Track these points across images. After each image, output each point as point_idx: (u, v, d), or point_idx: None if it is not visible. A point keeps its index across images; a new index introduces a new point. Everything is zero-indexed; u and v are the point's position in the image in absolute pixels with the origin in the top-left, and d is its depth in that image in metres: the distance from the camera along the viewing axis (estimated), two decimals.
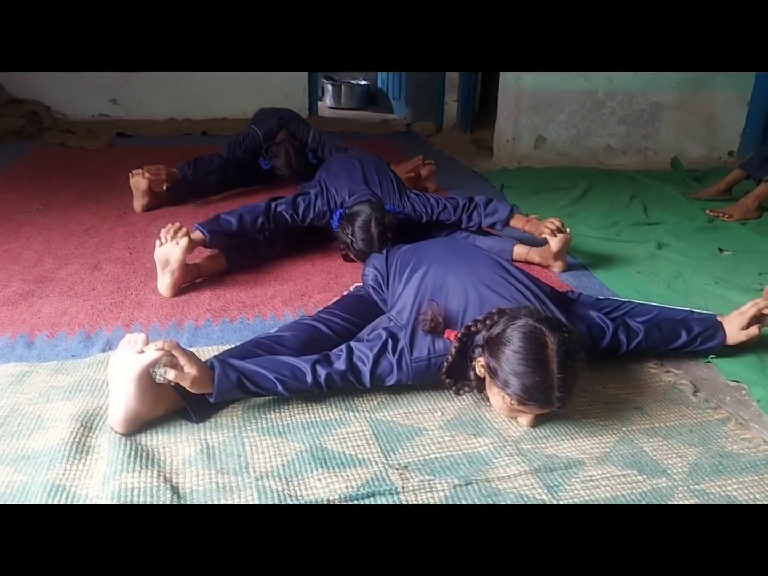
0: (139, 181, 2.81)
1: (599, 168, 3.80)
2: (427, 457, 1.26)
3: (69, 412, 1.35)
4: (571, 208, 2.98)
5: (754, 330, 1.59)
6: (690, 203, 3.06)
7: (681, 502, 1.15)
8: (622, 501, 1.16)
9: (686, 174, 3.61)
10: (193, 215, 2.83)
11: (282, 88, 5.06)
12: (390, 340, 1.40)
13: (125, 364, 1.24)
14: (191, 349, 1.56)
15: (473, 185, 3.39)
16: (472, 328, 1.36)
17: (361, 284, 1.78)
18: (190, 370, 1.26)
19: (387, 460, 1.25)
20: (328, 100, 6.49)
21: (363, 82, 6.57)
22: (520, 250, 2.29)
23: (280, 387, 1.34)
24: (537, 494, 1.17)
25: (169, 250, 1.92)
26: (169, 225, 1.96)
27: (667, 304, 1.92)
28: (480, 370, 1.34)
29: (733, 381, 1.57)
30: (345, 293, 1.78)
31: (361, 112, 6.23)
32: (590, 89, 3.71)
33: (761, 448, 1.31)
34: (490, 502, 1.15)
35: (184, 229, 1.95)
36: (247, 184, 3.25)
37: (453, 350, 1.37)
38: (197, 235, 2.03)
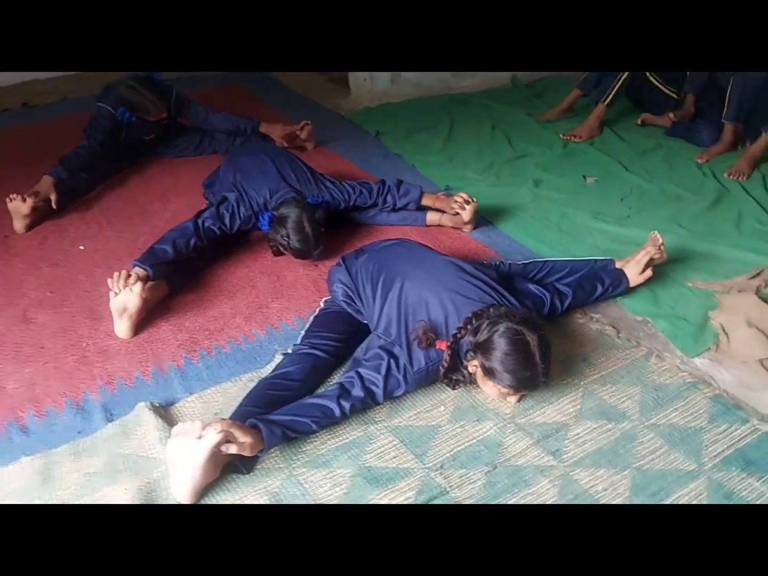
0: (19, 206, 2.60)
1: (451, 94, 4.04)
2: (453, 452, 1.54)
3: (125, 497, 1.44)
4: (448, 152, 3.23)
5: (648, 273, 2.00)
6: (544, 128, 3.43)
7: (643, 440, 1.55)
8: (605, 450, 1.53)
9: (528, 92, 3.97)
10: (82, 224, 2.73)
11: None
12: (391, 360, 1.63)
13: (190, 452, 1.36)
14: (193, 396, 1.70)
15: (349, 136, 3.51)
16: (458, 335, 1.62)
17: (327, 298, 1.94)
18: (246, 439, 1.41)
19: (423, 464, 1.52)
20: None
21: None
22: (432, 217, 2.53)
23: (315, 427, 1.53)
24: (547, 462, 1.51)
25: (126, 297, 1.93)
26: (116, 274, 1.94)
27: (564, 250, 2.33)
28: (473, 369, 1.62)
29: (639, 317, 2.00)
30: (318, 310, 1.93)
31: None
32: None
33: (679, 375, 1.74)
34: (516, 480, 1.47)
35: (133, 275, 1.95)
36: (121, 169, 3.14)
37: (447, 357, 1.63)
38: (140, 271, 2.03)
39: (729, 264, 2.21)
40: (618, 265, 2.07)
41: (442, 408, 1.68)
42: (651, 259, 2.00)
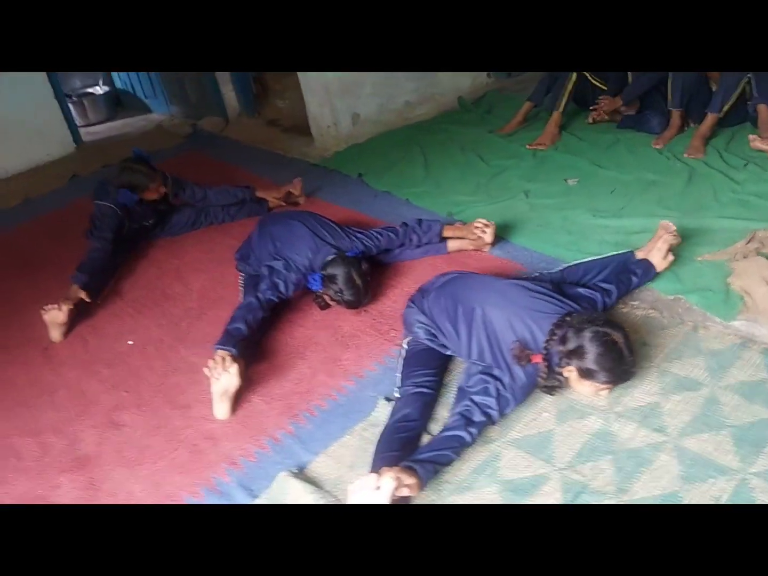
0: (56, 315, 2.64)
1: (408, 124, 4.28)
2: (574, 450, 1.75)
3: None
4: (432, 180, 3.46)
5: (670, 257, 2.29)
6: (508, 142, 3.72)
7: (724, 401, 1.81)
8: (699, 416, 1.77)
9: (478, 110, 4.26)
10: (115, 319, 2.80)
11: (33, 125, 4.64)
12: (496, 382, 1.82)
13: (376, 501, 1.52)
14: (321, 456, 1.84)
15: (331, 182, 3.68)
16: (548, 347, 1.84)
17: (409, 339, 2.11)
18: (411, 480, 1.57)
19: (554, 466, 1.72)
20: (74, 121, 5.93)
21: (102, 90, 6.10)
22: (453, 244, 2.75)
23: (454, 456, 1.71)
24: (657, 438, 1.73)
25: (227, 380, 2.04)
26: (211, 362, 2.05)
27: (579, 249, 2.59)
28: (567, 374, 1.84)
29: (671, 296, 2.27)
30: (404, 352, 2.09)
31: (119, 122, 5.87)
32: None
33: (727, 339, 2.02)
34: (639, 460, 1.68)
35: (228, 358, 2.07)
36: (126, 258, 3.20)
37: (543, 368, 1.84)
38: (224, 353, 2.15)
39: (723, 234, 2.52)
40: (639, 255, 2.35)
41: (546, 414, 1.89)
42: (670, 245, 2.29)
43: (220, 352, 2.14)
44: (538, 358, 1.84)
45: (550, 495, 1.65)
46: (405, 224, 2.68)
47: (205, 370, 2.06)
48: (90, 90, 6.13)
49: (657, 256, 2.28)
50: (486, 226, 2.63)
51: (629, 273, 2.25)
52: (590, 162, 3.30)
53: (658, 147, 3.30)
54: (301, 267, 2.46)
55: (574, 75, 3.59)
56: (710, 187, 2.87)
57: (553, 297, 1.98)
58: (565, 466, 1.72)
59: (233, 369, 2.03)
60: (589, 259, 2.40)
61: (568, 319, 1.85)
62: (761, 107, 3.02)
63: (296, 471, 1.84)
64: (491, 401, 1.79)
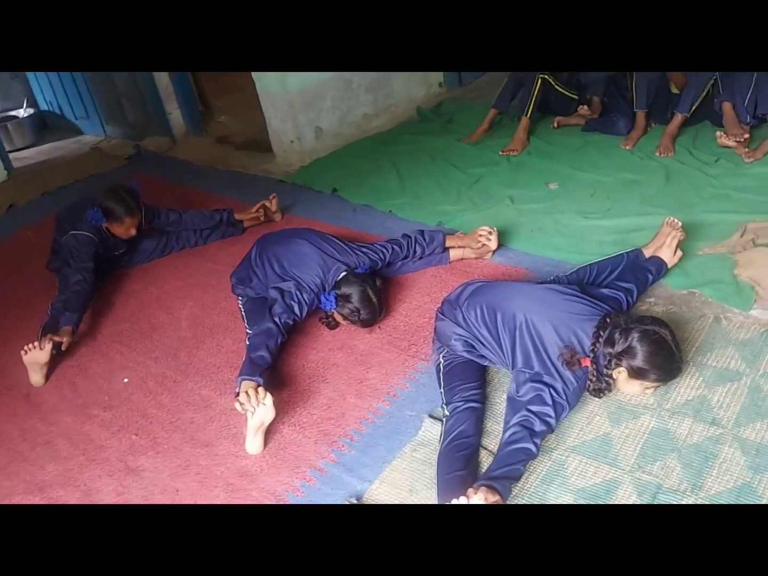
0: (37, 355, 2.41)
1: (370, 137, 4.24)
2: (637, 451, 1.75)
3: None
4: (410, 191, 3.41)
5: (679, 253, 2.35)
6: (479, 150, 3.74)
7: (767, 388, 1.86)
8: (747, 405, 1.81)
9: (439, 119, 4.27)
10: (101, 357, 2.60)
11: None
12: (549, 389, 1.80)
13: None
14: (375, 483, 1.76)
15: (304, 198, 3.58)
16: (595, 350, 1.83)
17: (444, 353, 2.05)
18: (496, 498, 1.52)
19: (623, 469, 1.71)
20: None
21: (26, 113, 5.71)
22: (455, 254, 2.72)
23: (523, 469, 1.67)
24: (714, 432, 1.76)
25: (263, 414, 1.91)
26: (244, 395, 1.92)
27: (580, 251, 2.62)
28: (616, 375, 1.83)
29: (684, 290, 2.33)
30: (442, 367, 2.03)
31: (48, 146, 5.51)
32: (337, 72, 4.04)
33: (752, 328, 2.08)
34: (704, 455, 1.69)
35: (261, 389, 1.94)
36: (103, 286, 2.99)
37: (593, 371, 1.83)
38: (251, 384, 2.02)
39: (714, 228, 2.62)
40: (646, 252, 2.40)
41: (598, 417, 1.88)
42: (679, 241, 2.35)
43: (246, 383, 2.01)
44: (587, 362, 1.83)
45: (627, 499, 1.63)
46: (407, 236, 2.63)
47: (237, 406, 1.92)
48: (13, 113, 5.74)
49: (667, 252, 2.33)
50: (490, 233, 2.62)
51: (644, 271, 2.28)
52: (566, 165, 3.37)
53: (628, 148, 3.41)
54: (313, 286, 2.36)
55: (540, 81, 3.65)
56: (689, 184, 2.98)
57: (585, 299, 1.98)
58: (632, 468, 1.71)
59: (268, 400, 1.91)
60: (599, 259, 2.42)
61: (608, 320, 1.85)
62: (726, 105, 3.18)
63: (355, 501, 1.74)
64: (548, 409, 1.76)
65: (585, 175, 3.24)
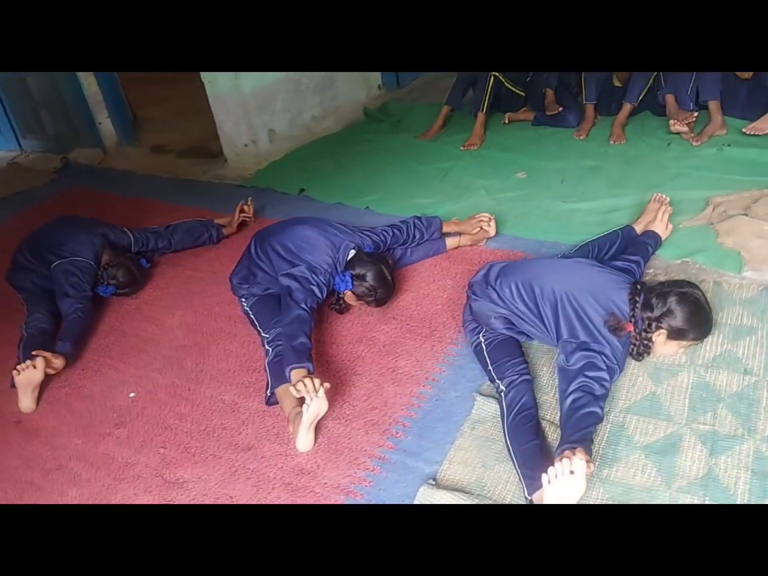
0: (32, 375, 2.21)
1: (316, 137, 4.20)
2: (687, 404, 1.85)
3: None
4: (382, 188, 3.41)
5: (670, 226, 2.51)
6: (439, 146, 3.80)
7: None
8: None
9: (389, 119, 4.31)
10: (95, 374, 2.42)
11: None
12: (600, 355, 1.86)
13: (574, 487, 1.48)
14: (445, 464, 1.77)
15: (272, 202, 3.49)
16: (635, 315, 1.92)
17: (484, 332, 2.07)
18: (588, 458, 1.55)
19: (679, 423, 1.80)
20: None
21: None
22: (452, 242, 2.75)
23: (594, 431, 1.72)
24: (749, 380, 1.89)
25: (318, 406, 1.85)
26: (302, 385, 1.84)
27: (570, 232, 2.75)
28: (656, 338, 1.93)
29: (679, 260, 2.49)
30: (484, 346, 2.04)
31: None
32: (287, 73, 3.99)
33: (751, 288, 2.25)
34: (748, 402, 1.82)
35: (315, 380, 1.87)
36: None
37: (636, 335, 1.92)
38: (302, 371, 1.95)
39: (686, 204, 2.81)
40: (637, 228, 2.54)
41: (641, 379, 1.97)
42: (669, 215, 2.51)
43: (296, 372, 1.93)
44: (630, 327, 1.91)
45: (694, 448, 1.72)
46: (405, 221, 2.63)
47: (293, 391, 1.84)
48: None
49: (660, 226, 2.48)
50: (489, 218, 2.68)
51: (644, 245, 2.42)
52: (528, 156, 3.50)
53: (581, 137, 3.60)
54: (326, 266, 2.30)
55: (493, 78, 3.78)
56: (650, 166, 3.19)
57: (611, 270, 2.08)
58: (687, 420, 1.81)
59: (321, 392, 1.85)
60: (596, 237, 2.54)
61: (639, 287, 1.96)
62: (669, 97, 3.44)
63: (433, 482, 1.72)
64: (603, 374, 1.82)
65: (550, 164, 3.38)
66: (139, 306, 2.78)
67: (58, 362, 2.30)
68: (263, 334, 2.28)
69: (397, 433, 1.93)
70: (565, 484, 1.48)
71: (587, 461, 1.54)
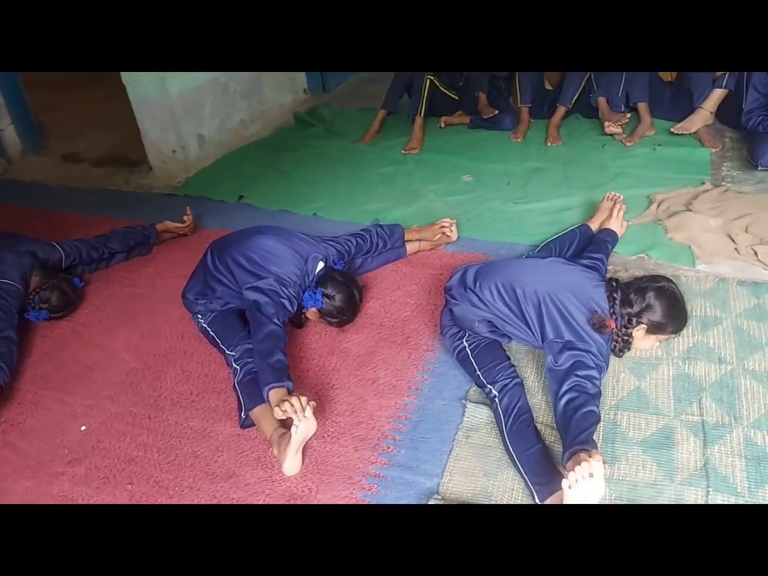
0: None
1: (246, 143, 4.03)
2: (671, 395, 1.88)
3: None
4: (328, 195, 3.30)
5: (625, 223, 2.57)
6: (380, 150, 3.74)
7: (748, 331, 2.09)
8: (743, 345, 2.02)
9: (321, 125, 4.20)
10: (36, 409, 2.18)
11: None
12: (587, 353, 1.86)
13: (595, 489, 1.44)
14: (446, 477, 1.72)
15: (209, 211, 3.30)
16: (614, 312, 1.94)
17: (467, 336, 2.02)
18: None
19: (671, 415, 1.83)
20: None
21: None
22: (411, 247, 2.69)
23: (595, 429, 1.71)
24: (726, 369, 1.95)
25: (308, 427, 1.73)
26: (289, 405, 1.70)
27: (526, 233, 2.77)
28: (637, 333, 1.95)
29: (634, 256, 2.55)
30: (469, 350, 1.99)
31: None
32: (215, 76, 3.81)
33: (708, 280, 2.33)
34: (739, 393, 1.87)
35: (302, 399, 1.74)
36: None
37: (617, 331, 1.93)
38: (282, 390, 1.82)
39: (628, 201, 2.83)
40: (593, 226, 2.59)
41: (623, 375, 1.99)
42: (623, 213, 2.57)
43: (275, 392, 1.80)
44: (612, 324, 1.93)
45: (687, 440, 1.75)
46: (368, 230, 2.55)
47: (279, 414, 1.71)
48: None
49: (616, 223, 2.54)
50: (451, 224, 2.65)
51: (604, 242, 2.46)
52: (470, 159, 3.51)
53: (519, 140, 3.65)
54: (294, 278, 2.17)
55: (428, 82, 3.77)
56: (590, 167, 3.27)
57: (584, 269, 2.09)
58: (676, 413, 1.84)
59: (309, 411, 1.73)
60: (554, 237, 2.56)
61: (614, 284, 1.98)
62: (601, 100, 3.55)
63: (439, 497, 1.65)
64: (594, 372, 1.82)
65: (493, 167, 3.40)
66: (76, 329, 2.53)
67: None
68: (228, 352, 2.13)
69: (389, 447, 1.85)
70: (586, 487, 1.45)
71: (603, 462, 1.52)
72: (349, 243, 2.43)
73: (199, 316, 2.30)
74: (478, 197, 3.14)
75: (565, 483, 1.46)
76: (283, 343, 1.97)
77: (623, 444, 1.76)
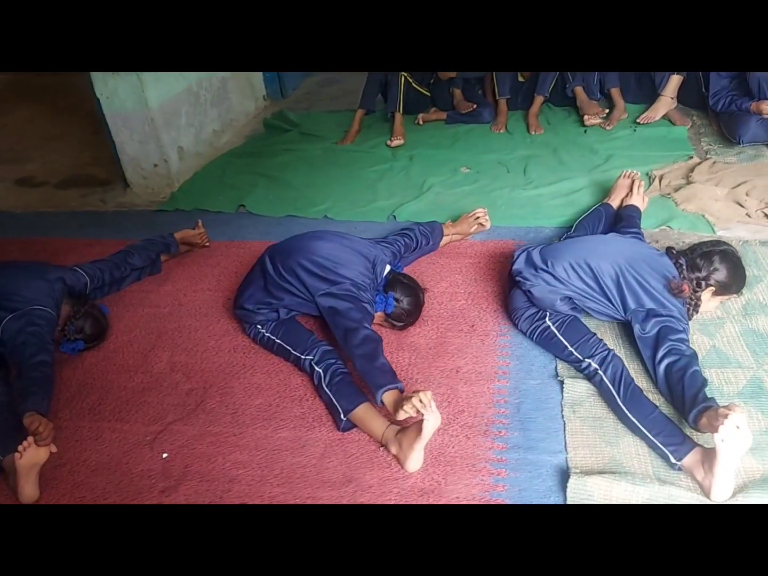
0: (34, 454, 1.77)
1: (221, 152, 3.91)
2: (744, 348, 2.00)
3: None
4: (333, 197, 3.24)
5: (647, 198, 2.69)
6: (368, 149, 3.72)
7: None
8: None
9: (295, 129, 4.13)
10: (90, 442, 2.01)
11: None
12: (672, 318, 1.94)
13: (746, 440, 1.51)
14: (571, 452, 1.76)
15: (210, 224, 3.16)
16: (684, 278, 2.03)
17: (549, 316, 2.06)
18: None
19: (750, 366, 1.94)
20: None
21: None
22: (444, 240, 2.70)
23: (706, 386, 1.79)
24: None
25: (437, 419, 1.70)
26: (417, 401, 1.66)
27: (546, 216, 2.86)
28: (705, 296, 2.06)
29: (657, 228, 2.69)
30: (555, 329, 2.02)
31: None
32: (188, 84, 3.67)
33: (733, 243, 2.48)
34: None
35: (428, 393, 1.70)
36: None
37: (690, 294, 2.03)
38: (395, 392, 1.79)
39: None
40: (613, 204, 2.70)
41: (695, 335, 2.08)
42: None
43: (389, 394, 1.77)
44: (687, 288, 2.02)
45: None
46: (410, 229, 2.56)
47: (407, 413, 1.66)
48: None
49: (638, 199, 2.65)
50: (485, 213, 2.68)
51: (631, 218, 2.56)
52: (461, 152, 3.57)
53: (501, 131, 3.75)
54: (369, 282, 2.14)
55: (403, 79, 3.80)
56: (580, 151, 3.41)
57: (639, 239, 2.20)
58: (757, 364, 1.95)
59: (434, 404, 1.70)
60: (582, 217, 2.65)
61: (674, 251, 2.09)
62: (578, 89, 3.70)
63: (578, 471, 1.66)
64: (683, 335, 1.91)
65: (486, 157, 3.48)
66: (107, 356, 2.36)
67: (48, 429, 1.86)
68: (305, 356, 2.06)
69: (500, 432, 1.85)
70: (736, 439, 1.51)
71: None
72: (398, 243, 2.43)
73: (259, 326, 2.20)
74: (484, 187, 3.20)
75: (717, 437, 1.52)
76: (381, 346, 1.94)
77: (722, 399, 1.84)
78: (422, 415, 1.67)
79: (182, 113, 3.62)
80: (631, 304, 2.00)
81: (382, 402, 1.78)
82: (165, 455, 1.92)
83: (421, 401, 1.66)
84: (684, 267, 2.03)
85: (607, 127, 3.56)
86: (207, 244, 2.91)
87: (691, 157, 3.18)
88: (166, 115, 3.46)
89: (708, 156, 3.18)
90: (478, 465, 1.75)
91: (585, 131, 3.61)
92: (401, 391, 1.79)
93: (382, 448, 1.83)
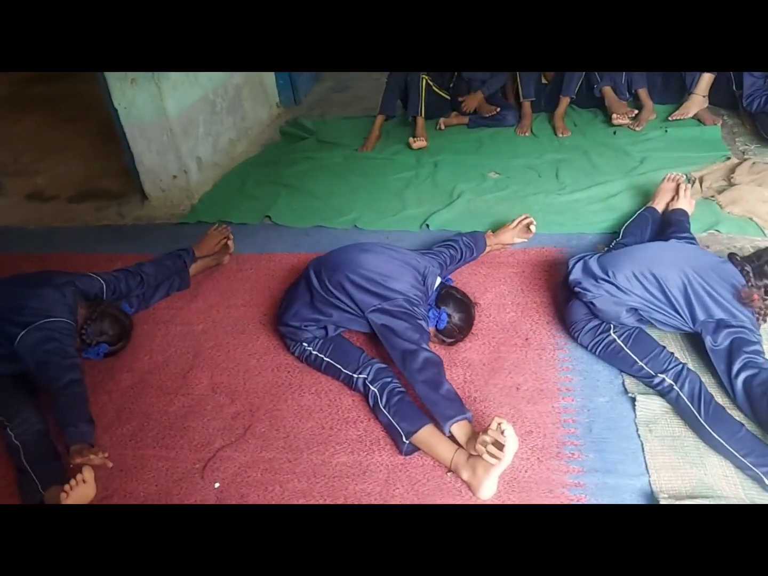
0: (84, 491, 1.67)
1: (236, 162, 3.80)
2: None
3: None
4: (360, 206, 3.14)
5: (693, 201, 2.60)
6: (390, 155, 3.62)
7: None
8: None
9: (312, 136, 4.03)
10: (136, 471, 1.91)
11: None
12: (743, 329, 1.85)
13: None
14: (653, 475, 1.67)
15: (238, 236, 3.06)
16: (753, 285, 1.95)
17: (614, 329, 1.96)
18: None
19: None
20: None
21: None
22: (487, 250, 2.61)
23: None
24: None
25: (516, 445, 1.61)
26: (497, 426, 1.57)
27: (586, 222, 2.77)
28: None
29: (705, 233, 2.60)
30: (621, 343, 1.93)
31: None
32: (204, 92, 3.57)
33: None
34: None
35: (503, 420, 1.60)
36: None
37: (759, 303, 1.95)
38: (465, 423, 1.71)
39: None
40: (658, 207, 2.62)
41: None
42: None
43: (459, 426, 1.68)
44: (756, 296, 1.94)
45: None
46: (454, 240, 2.46)
47: (485, 440, 1.57)
48: None
49: (685, 202, 2.57)
50: (531, 220, 2.59)
51: (681, 222, 2.48)
52: (488, 157, 3.47)
53: (526, 134, 3.66)
54: (421, 296, 2.04)
55: (425, 82, 3.71)
56: (612, 153, 3.32)
57: (699, 247, 2.11)
58: None
59: (510, 429, 1.60)
60: (628, 223, 2.56)
61: (737, 259, 2.00)
62: (606, 89, 3.62)
63: (666, 496, 1.57)
64: (758, 347, 1.82)
65: (515, 162, 3.38)
66: (143, 378, 2.26)
67: (99, 458, 1.75)
68: (358, 375, 1.96)
69: (573, 453, 1.75)
70: None
71: None
72: (444, 254, 2.34)
73: (306, 343, 2.10)
74: (516, 192, 3.11)
75: None
76: (443, 369, 1.84)
77: None
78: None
79: (199, 122, 3.51)
80: (700, 315, 1.91)
81: (450, 433, 1.68)
82: (217, 485, 1.81)
83: (500, 429, 1.56)
84: (751, 274, 1.95)
85: (637, 128, 3.48)
86: (229, 242, 2.78)
87: (729, 158, 3.10)
88: (185, 125, 3.36)
89: (746, 156, 3.10)
90: (555, 491, 1.66)
91: (614, 132, 3.52)
92: (469, 420, 1.70)
93: (449, 474, 1.73)
